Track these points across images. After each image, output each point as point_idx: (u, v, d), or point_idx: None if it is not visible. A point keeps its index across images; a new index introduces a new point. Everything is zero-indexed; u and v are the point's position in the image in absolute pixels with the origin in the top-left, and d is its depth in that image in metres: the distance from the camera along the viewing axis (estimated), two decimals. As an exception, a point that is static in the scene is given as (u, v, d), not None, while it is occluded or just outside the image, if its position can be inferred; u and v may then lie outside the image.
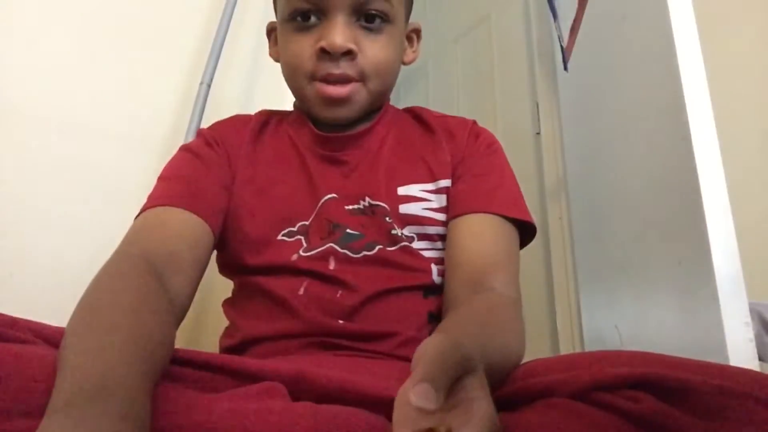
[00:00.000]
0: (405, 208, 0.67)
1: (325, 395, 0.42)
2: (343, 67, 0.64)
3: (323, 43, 0.63)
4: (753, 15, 1.51)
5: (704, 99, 0.91)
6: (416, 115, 0.77)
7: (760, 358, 0.85)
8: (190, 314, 0.63)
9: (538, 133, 1.68)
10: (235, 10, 1.28)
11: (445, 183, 0.69)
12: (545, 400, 0.39)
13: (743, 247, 0.85)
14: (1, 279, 0.96)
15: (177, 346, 0.46)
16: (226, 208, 0.68)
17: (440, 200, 0.69)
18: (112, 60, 1.16)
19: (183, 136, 1.15)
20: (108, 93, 1.14)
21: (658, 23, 0.98)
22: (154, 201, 0.64)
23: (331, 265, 0.63)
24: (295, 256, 0.64)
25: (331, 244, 0.64)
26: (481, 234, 0.65)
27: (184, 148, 0.72)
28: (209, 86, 1.19)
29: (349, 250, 0.64)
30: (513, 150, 0.76)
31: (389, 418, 0.36)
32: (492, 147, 0.73)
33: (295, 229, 0.67)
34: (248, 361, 0.45)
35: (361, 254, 0.63)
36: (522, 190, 0.72)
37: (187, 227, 0.62)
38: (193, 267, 0.60)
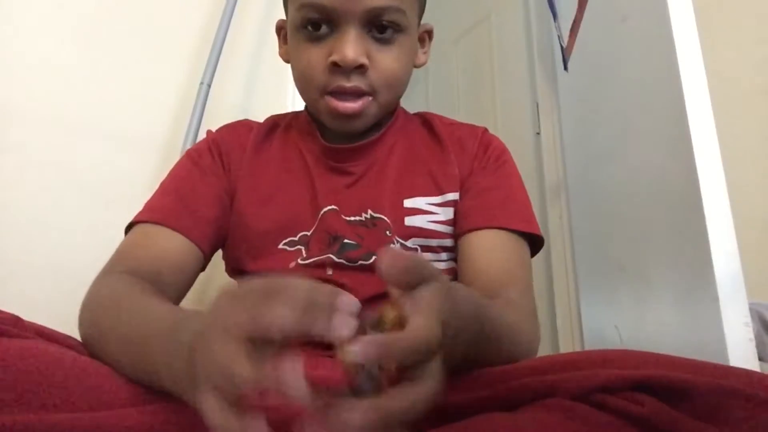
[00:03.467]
0: (410, 221, 0.67)
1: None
2: (355, 81, 0.63)
3: (335, 57, 0.62)
4: (753, 15, 1.51)
5: (704, 99, 0.91)
6: (426, 122, 0.77)
7: (760, 358, 0.85)
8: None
9: (538, 133, 1.68)
10: (235, 10, 1.27)
11: (453, 196, 0.69)
12: (546, 401, 0.39)
13: (743, 247, 0.85)
14: (1, 279, 0.96)
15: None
16: (221, 217, 0.69)
17: (446, 213, 0.68)
18: (112, 60, 1.16)
19: (183, 136, 1.15)
20: (108, 93, 1.14)
21: (658, 23, 0.98)
22: (147, 214, 0.65)
23: (329, 272, 0.63)
24: (292, 264, 0.64)
25: (329, 255, 0.64)
26: (493, 250, 0.65)
27: (188, 154, 0.73)
28: (209, 86, 1.19)
29: (345, 259, 0.63)
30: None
31: None
32: (501, 158, 0.72)
33: (296, 238, 0.66)
34: None
35: (357, 263, 0.63)
36: (522, 190, 0.72)
37: (173, 250, 0.63)
38: (172, 290, 0.61)
